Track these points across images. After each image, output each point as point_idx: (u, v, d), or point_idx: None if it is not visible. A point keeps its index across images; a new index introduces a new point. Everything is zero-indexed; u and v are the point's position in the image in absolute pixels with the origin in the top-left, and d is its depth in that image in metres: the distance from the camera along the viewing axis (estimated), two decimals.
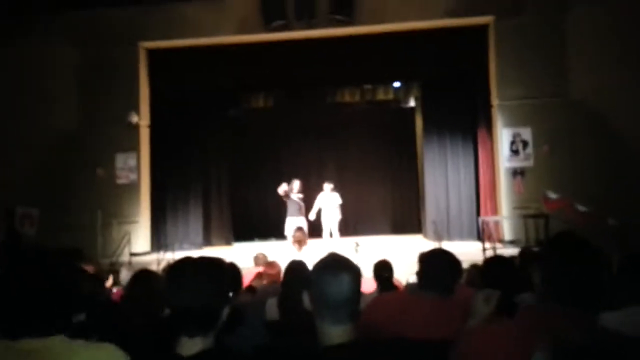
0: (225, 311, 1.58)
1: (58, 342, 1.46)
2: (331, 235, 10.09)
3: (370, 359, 1.57)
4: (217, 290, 1.57)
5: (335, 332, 1.56)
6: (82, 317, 2.39)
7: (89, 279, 3.04)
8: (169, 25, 10.42)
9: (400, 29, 10.27)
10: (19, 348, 1.42)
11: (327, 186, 10.17)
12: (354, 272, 1.60)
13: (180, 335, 1.55)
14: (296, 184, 9.92)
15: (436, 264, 2.45)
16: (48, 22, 10.48)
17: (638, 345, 2.10)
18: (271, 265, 5.14)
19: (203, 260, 1.64)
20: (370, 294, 4.03)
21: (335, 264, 1.62)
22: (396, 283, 4.78)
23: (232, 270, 3.93)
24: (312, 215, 9.96)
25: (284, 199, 9.91)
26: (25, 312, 1.45)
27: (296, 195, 9.83)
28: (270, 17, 9.96)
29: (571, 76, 9.84)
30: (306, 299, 1.63)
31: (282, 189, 9.88)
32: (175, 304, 1.56)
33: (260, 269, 5.71)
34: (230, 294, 1.72)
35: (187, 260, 1.65)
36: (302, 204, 9.83)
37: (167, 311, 2.71)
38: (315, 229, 10.08)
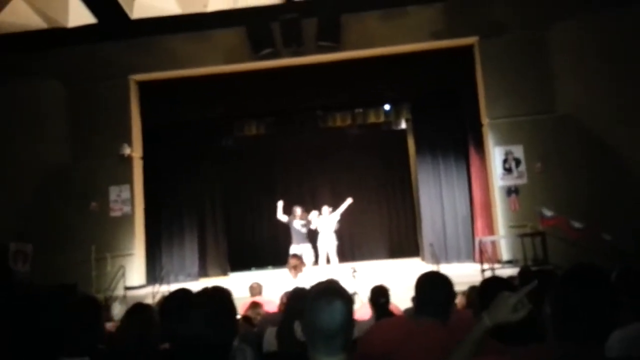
0: (235, 343, 1.54)
1: None
2: (328, 261, 10.01)
3: None
4: (226, 324, 1.52)
5: None
6: None
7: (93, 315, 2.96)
8: (158, 58, 10.50)
9: (387, 52, 10.40)
10: None
11: (326, 209, 10.13)
12: (347, 300, 1.57)
13: None
14: (297, 211, 9.85)
15: (429, 288, 2.42)
16: (38, 59, 10.54)
17: None
18: (255, 306, 5.03)
19: (211, 294, 1.59)
20: (367, 321, 3.98)
21: (328, 293, 1.58)
22: (393, 309, 4.72)
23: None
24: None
25: (287, 224, 9.85)
26: (13, 350, 1.41)
27: (298, 223, 9.75)
28: (258, 45, 10.06)
29: (559, 92, 9.97)
30: (298, 329, 1.59)
31: (280, 212, 9.83)
32: (182, 338, 1.50)
33: (256, 299, 5.65)
34: (238, 326, 1.68)
35: (190, 292, 1.60)
36: (304, 230, 9.75)
37: (164, 345, 2.65)
38: (316, 257, 10.01)
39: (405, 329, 2.41)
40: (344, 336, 1.54)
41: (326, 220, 10.02)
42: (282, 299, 5.20)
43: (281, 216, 9.88)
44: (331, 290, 1.60)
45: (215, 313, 1.51)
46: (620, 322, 2.28)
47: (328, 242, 9.99)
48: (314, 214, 10.06)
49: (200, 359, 1.49)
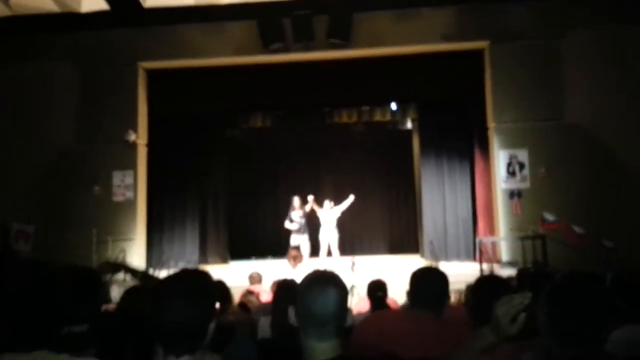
0: (211, 328, 1.54)
1: (42, 356, 1.44)
2: (330, 254, 10.07)
3: None
4: (201, 307, 1.52)
5: (321, 349, 1.54)
6: (84, 328, 2.35)
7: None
8: (168, 47, 10.52)
9: (397, 52, 10.39)
10: None
11: (328, 204, 10.20)
12: (340, 288, 1.59)
13: (166, 354, 1.50)
14: (296, 201, 9.93)
15: (424, 282, 2.44)
16: (49, 41, 10.59)
17: None
18: (248, 294, 5.05)
19: (186, 276, 1.59)
20: (365, 314, 4.01)
21: (322, 279, 1.61)
22: (390, 303, 4.75)
23: (220, 288, 3.92)
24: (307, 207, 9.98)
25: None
26: (9, 326, 1.43)
27: (296, 214, 9.81)
28: (268, 39, 10.06)
29: (567, 99, 9.93)
30: (292, 314, 1.61)
31: (288, 223, 9.92)
32: (160, 322, 1.51)
33: (255, 287, 5.69)
34: (217, 307, 1.68)
35: (171, 277, 1.60)
36: (302, 221, 9.80)
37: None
38: (317, 249, 10.09)
39: (399, 320, 2.44)
40: (336, 323, 1.56)
41: (327, 214, 10.09)
42: (272, 287, 5.26)
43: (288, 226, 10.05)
44: (325, 278, 1.62)
45: (186, 298, 1.50)
46: (616, 326, 2.30)
47: (330, 235, 10.06)
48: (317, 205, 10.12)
49: (174, 343, 1.49)
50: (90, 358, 1.50)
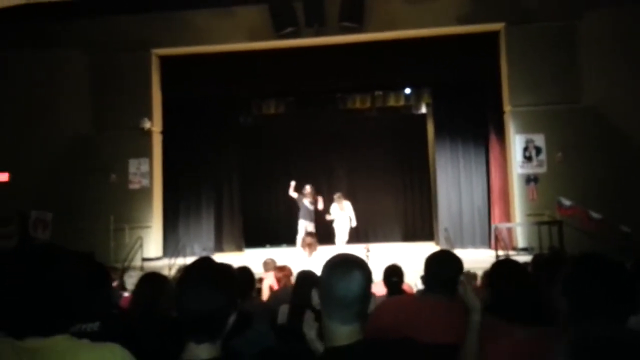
0: (232, 318, 1.56)
1: (63, 341, 1.45)
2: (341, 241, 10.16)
3: None
4: (224, 298, 1.54)
5: (343, 332, 1.53)
6: (95, 326, 2.38)
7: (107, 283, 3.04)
8: (181, 33, 10.51)
9: (410, 35, 10.28)
10: (24, 347, 1.42)
11: (338, 195, 10.30)
12: (366, 271, 1.58)
13: (187, 341, 1.54)
14: (307, 189, 10.00)
15: (437, 266, 2.43)
16: (62, 29, 10.65)
17: None
18: (282, 268, 5.15)
19: (212, 267, 1.61)
20: (380, 298, 4.01)
21: (348, 262, 1.60)
22: (406, 288, 4.75)
23: (244, 275, 3.96)
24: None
25: (297, 201, 10.07)
26: (31, 310, 1.45)
27: (307, 201, 9.90)
28: (280, 24, 10.01)
29: (583, 82, 9.78)
30: (315, 297, 1.60)
31: (292, 190, 9.99)
32: (183, 309, 1.54)
33: (270, 274, 5.74)
34: (238, 301, 1.70)
35: (196, 265, 1.63)
36: (312, 208, 9.90)
37: (174, 314, 2.71)
38: (326, 236, 10.11)
39: (413, 304, 2.44)
40: (359, 306, 1.54)
41: (344, 208, 10.18)
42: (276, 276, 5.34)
43: (292, 193, 10.23)
44: (352, 261, 1.61)
45: (210, 288, 1.53)
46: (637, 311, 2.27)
47: (343, 222, 10.12)
48: (334, 206, 10.23)
49: (196, 331, 1.52)
50: (112, 344, 1.51)
